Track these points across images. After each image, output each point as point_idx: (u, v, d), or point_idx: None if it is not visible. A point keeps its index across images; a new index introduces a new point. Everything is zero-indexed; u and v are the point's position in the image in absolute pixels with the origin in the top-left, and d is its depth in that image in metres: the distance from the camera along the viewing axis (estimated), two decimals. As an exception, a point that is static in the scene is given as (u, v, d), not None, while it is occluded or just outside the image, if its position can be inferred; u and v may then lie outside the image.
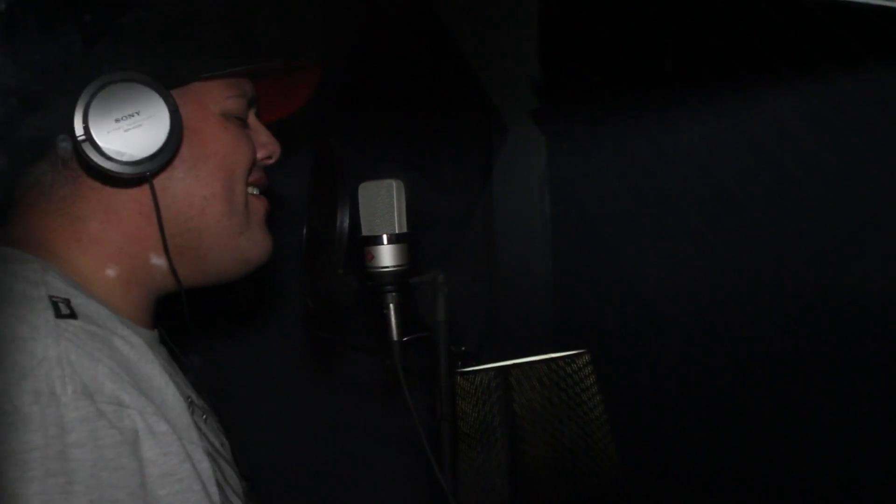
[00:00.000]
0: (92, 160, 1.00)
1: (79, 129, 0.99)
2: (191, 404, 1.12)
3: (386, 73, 2.47)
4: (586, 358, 1.62)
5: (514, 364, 1.62)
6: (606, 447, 1.69)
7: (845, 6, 1.15)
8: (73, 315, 0.97)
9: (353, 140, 1.79)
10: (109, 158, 1.01)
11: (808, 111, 1.89)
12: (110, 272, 1.10)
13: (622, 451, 1.74)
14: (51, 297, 0.98)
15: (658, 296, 2.32)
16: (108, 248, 1.10)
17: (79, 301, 1.00)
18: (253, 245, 1.20)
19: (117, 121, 1.01)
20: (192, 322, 1.14)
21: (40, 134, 1.06)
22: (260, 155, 1.22)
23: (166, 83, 1.06)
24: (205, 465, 1.02)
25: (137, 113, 1.02)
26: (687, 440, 2.24)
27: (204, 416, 1.16)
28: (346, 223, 1.26)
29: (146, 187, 1.07)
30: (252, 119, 1.24)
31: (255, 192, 1.23)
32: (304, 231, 1.38)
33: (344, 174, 1.31)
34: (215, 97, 1.15)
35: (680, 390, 2.25)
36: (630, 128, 2.41)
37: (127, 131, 1.01)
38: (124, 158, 1.01)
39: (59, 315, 0.96)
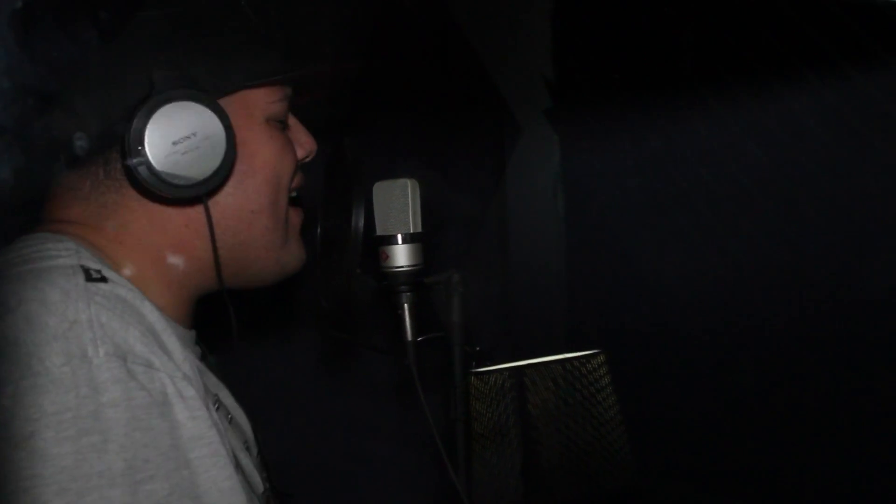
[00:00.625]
0: (147, 183, 0.98)
1: (133, 151, 0.97)
2: (216, 401, 1.14)
3: (400, 72, 2.46)
4: (601, 358, 1.61)
5: (529, 364, 1.61)
6: (622, 449, 1.68)
7: (862, 3, 1.14)
8: (103, 279, 0.97)
9: (367, 139, 1.78)
10: (165, 182, 0.99)
11: (824, 109, 1.88)
12: (149, 272, 1.10)
13: (637, 453, 1.73)
14: (82, 265, 0.98)
15: (673, 295, 2.30)
16: (151, 255, 1.10)
17: (111, 273, 1.00)
18: (290, 258, 1.22)
19: (174, 143, 0.99)
20: (236, 324, 1.16)
21: (86, 142, 1.04)
22: (300, 155, 1.22)
23: (216, 93, 1.05)
24: (226, 439, 1.03)
25: (194, 134, 1.00)
26: (703, 442, 2.22)
27: (229, 417, 1.17)
28: (361, 223, 1.26)
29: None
30: (291, 118, 1.24)
31: (293, 195, 1.23)
32: (318, 231, 1.38)
33: (358, 174, 1.31)
34: (261, 104, 1.14)
35: (696, 391, 2.23)
36: (644, 127, 2.39)
37: (184, 154, 1.00)
38: (179, 182, 1.00)
39: (89, 279, 0.96)
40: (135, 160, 0.97)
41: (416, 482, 2.41)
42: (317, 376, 2.45)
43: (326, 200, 1.37)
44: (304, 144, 1.24)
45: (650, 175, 2.40)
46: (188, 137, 0.99)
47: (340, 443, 2.43)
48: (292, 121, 1.24)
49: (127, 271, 1.08)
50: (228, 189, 1.10)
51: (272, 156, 1.15)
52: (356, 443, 2.45)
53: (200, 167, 1.01)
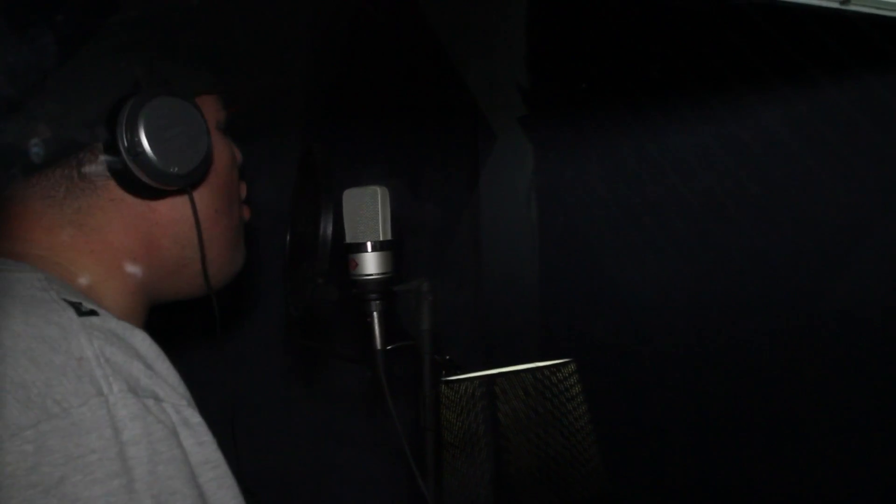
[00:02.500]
0: (139, 172, 1.01)
1: (126, 141, 0.99)
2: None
3: (372, 78, 2.46)
4: (572, 367, 1.61)
5: (499, 373, 1.61)
6: (592, 457, 1.68)
7: (833, 14, 1.15)
8: (93, 313, 0.96)
9: (337, 146, 1.78)
10: (159, 172, 1.02)
11: (796, 120, 1.89)
12: (117, 283, 1.10)
13: (608, 462, 1.73)
14: (63, 299, 0.97)
15: (646, 304, 2.31)
16: (120, 259, 1.10)
17: (89, 306, 0.98)
18: (241, 255, 1.24)
19: (165, 134, 1.02)
20: (220, 327, 1.18)
21: (54, 144, 1.04)
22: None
23: (188, 91, 1.08)
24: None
25: (179, 126, 1.03)
26: (674, 450, 2.23)
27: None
28: (330, 230, 1.25)
29: (166, 200, 1.09)
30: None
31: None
32: (288, 238, 1.37)
33: (328, 180, 1.30)
34: (213, 110, 1.17)
35: (667, 400, 2.24)
36: (618, 136, 2.40)
37: (172, 146, 1.03)
38: (174, 171, 1.03)
39: (80, 313, 0.95)
40: (127, 149, 0.99)
41: (386, 491, 2.40)
42: (286, 385, 2.43)
43: (296, 207, 1.36)
44: (236, 152, 1.27)
45: (623, 184, 2.41)
46: (175, 129, 1.03)
47: (309, 452, 2.41)
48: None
49: (94, 283, 1.07)
50: (202, 188, 1.13)
51: (227, 158, 1.18)
52: (325, 452, 2.43)
53: (188, 159, 1.04)
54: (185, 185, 1.05)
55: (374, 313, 1.25)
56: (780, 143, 1.92)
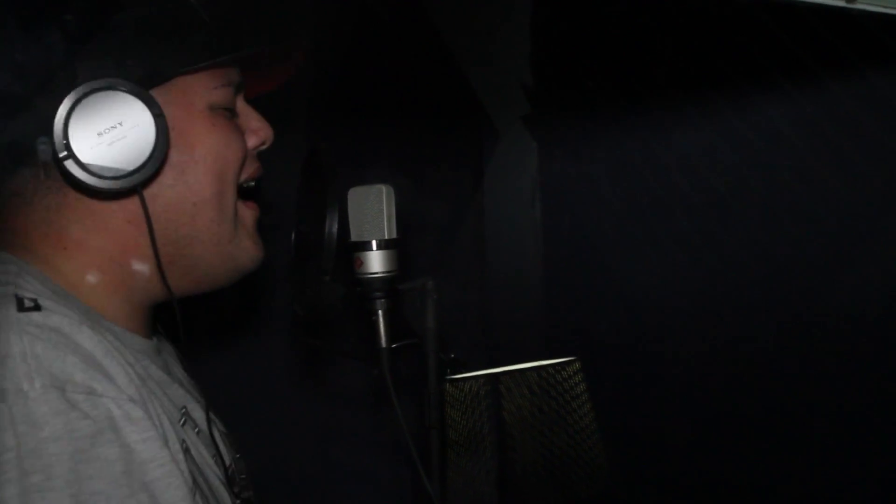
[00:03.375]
0: (75, 177, 0.96)
1: (59, 146, 0.94)
2: (184, 415, 1.10)
3: (378, 77, 2.46)
4: (577, 366, 1.61)
5: (504, 371, 1.61)
6: (596, 456, 1.68)
7: (838, 13, 1.14)
8: (36, 308, 0.95)
9: (343, 145, 1.77)
10: (93, 174, 0.96)
11: (801, 118, 1.89)
12: (96, 279, 1.07)
13: (612, 460, 1.73)
14: (16, 294, 0.96)
15: (650, 303, 2.31)
16: (94, 256, 1.07)
17: (48, 301, 0.97)
18: (243, 252, 1.17)
19: (100, 134, 0.96)
20: (184, 331, 1.11)
21: (19, 142, 1.02)
22: (252, 143, 1.19)
23: (148, 82, 1.02)
24: (180, 457, 1.00)
25: (120, 124, 0.97)
26: (678, 449, 2.22)
27: (196, 429, 1.14)
28: (335, 229, 1.25)
29: (133, 197, 1.04)
30: (241, 104, 1.20)
31: (249, 185, 1.19)
32: (293, 237, 1.37)
33: (333, 179, 1.29)
34: (201, 91, 1.10)
35: (671, 398, 2.24)
36: (622, 134, 2.40)
37: (111, 144, 0.97)
38: (109, 174, 0.97)
39: (20, 309, 0.94)
40: (61, 154, 0.95)
41: (391, 490, 2.40)
42: (291, 384, 2.44)
43: (301, 206, 1.36)
44: (258, 131, 1.20)
45: (628, 182, 2.40)
46: (114, 127, 0.97)
47: (315, 451, 2.42)
48: (244, 108, 1.20)
49: (75, 282, 1.05)
50: (167, 180, 1.07)
51: (215, 145, 1.11)
52: (331, 450, 2.44)
53: (130, 157, 0.98)
54: (130, 184, 0.98)
55: (379, 311, 1.24)
56: (785, 141, 1.92)
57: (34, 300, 0.96)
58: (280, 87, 1.33)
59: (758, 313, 2.03)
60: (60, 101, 0.95)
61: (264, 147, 1.22)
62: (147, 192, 1.04)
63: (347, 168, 1.39)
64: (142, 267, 1.09)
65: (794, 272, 1.95)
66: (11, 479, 0.85)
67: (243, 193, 1.19)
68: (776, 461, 2.00)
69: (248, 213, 1.19)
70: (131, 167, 0.98)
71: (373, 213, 1.24)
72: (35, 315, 0.94)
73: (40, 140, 0.98)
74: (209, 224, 1.11)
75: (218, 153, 1.11)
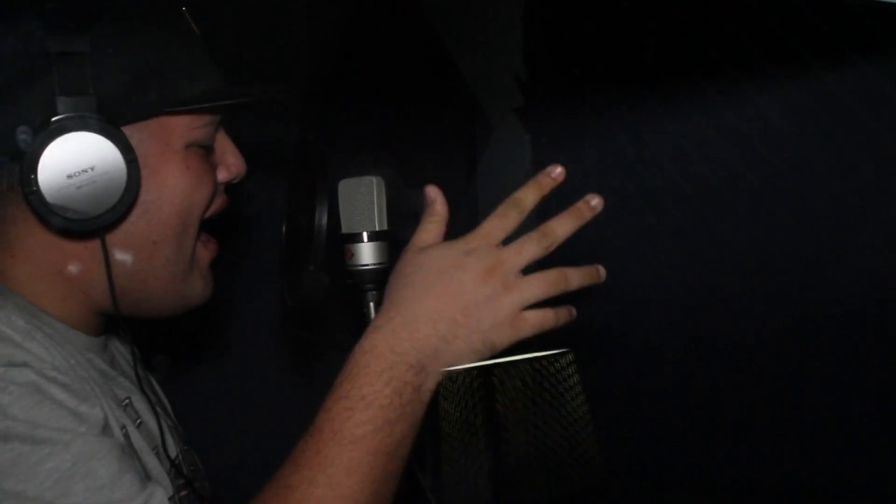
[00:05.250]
0: (38, 214, 0.95)
1: (27, 180, 0.93)
2: (126, 406, 1.11)
3: (370, 69, 2.45)
4: (570, 357, 1.60)
5: (496, 363, 1.60)
6: (590, 448, 1.68)
7: (830, 3, 1.14)
8: None
9: (333, 136, 1.77)
10: (58, 215, 0.95)
11: (793, 109, 1.88)
12: (42, 286, 1.07)
13: (606, 452, 1.72)
14: None
15: (643, 294, 2.31)
16: (44, 269, 1.07)
17: None
18: (192, 290, 1.17)
19: (69, 177, 0.94)
20: (134, 343, 1.13)
21: None
22: (222, 177, 1.18)
23: (130, 117, 1.00)
24: (119, 434, 1.00)
25: (91, 168, 0.95)
26: (672, 441, 2.23)
27: (138, 421, 1.14)
28: (325, 220, 1.24)
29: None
30: (220, 137, 1.19)
31: (216, 218, 1.19)
32: (283, 229, 1.36)
33: (323, 171, 1.29)
34: (180, 129, 1.09)
35: (665, 390, 2.24)
36: (615, 126, 2.39)
37: (79, 188, 0.95)
38: (73, 216, 0.95)
39: None
40: (26, 189, 0.93)
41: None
42: (281, 375, 2.43)
43: (291, 198, 1.35)
44: (231, 167, 1.19)
45: (621, 174, 2.40)
46: (85, 171, 0.95)
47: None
48: (222, 141, 1.19)
49: (20, 285, 1.05)
50: (132, 218, 1.05)
51: (186, 187, 1.09)
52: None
53: (97, 203, 0.96)
54: (91, 228, 0.97)
55: (370, 304, 1.24)
56: (777, 131, 1.91)
57: None
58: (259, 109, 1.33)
59: (751, 305, 2.03)
60: (37, 131, 0.93)
61: (234, 181, 1.21)
62: (110, 228, 1.03)
63: (338, 160, 1.39)
64: (91, 286, 1.09)
65: (787, 264, 1.94)
66: None
67: (204, 225, 1.18)
68: (769, 453, 2.00)
69: (205, 253, 1.19)
70: (97, 212, 0.97)
71: (363, 204, 1.23)
72: None
73: (6, 157, 0.97)
74: (165, 262, 1.11)
75: (186, 194, 1.10)
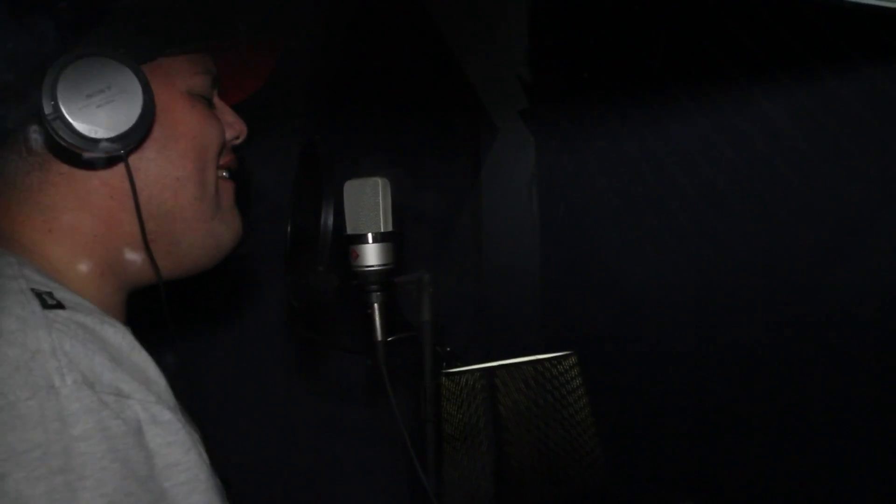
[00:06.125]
0: (63, 139, 0.96)
1: (48, 107, 0.94)
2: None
3: (375, 70, 2.45)
4: (573, 360, 1.61)
5: (500, 365, 1.61)
6: (592, 450, 1.68)
7: (836, 6, 1.14)
8: (60, 305, 0.93)
9: (339, 137, 1.77)
10: (82, 137, 0.96)
11: (798, 112, 1.88)
12: (84, 265, 1.06)
13: (608, 455, 1.73)
14: (33, 289, 0.94)
15: (647, 297, 2.31)
16: (81, 238, 1.07)
17: (62, 294, 0.96)
18: (226, 228, 1.17)
19: (88, 96, 0.96)
20: (170, 316, 1.10)
21: (5, 122, 1.02)
22: (228, 135, 1.19)
23: (133, 59, 1.02)
24: (205, 456, 0.98)
25: (108, 88, 0.98)
26: (674, 443, 2.23)
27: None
28: (331, 221, 1.24)
29: (117, 170, 1.04)
30: (216, 99, 1.22)
31: (225, 174, 1.21)
32: (289, 229, 1.36)
33: (329, 172, 1.29)
34: (181, 74, 1.12)
35: (668, 393, 2.24)
36: (620, 128, 2.40)
37: (99, 107, 0.97)
38: (98, 135, 0.97)
39: (45, 306, 0.92)
40: (48, 115, 0.94)
41: (387, 484, 2.40)
42: (286, 376, 2.43)
43: (297, 199, 1.35)
44: (233, 125, 1.21)
45: (625, 176, 2.40)
46: (102, 91, 0.97)
47: (309, 442, 2.41)
48: (219, 103, 1.22)
49: (63, 269, 1.04)
50: (150, 154, 1.07)
51: (196, 124, 1.12)
52: (327, 444, 2.44)
53: (117, 122, 0.98)
54: (117, 150, 0.98)
55: (375, 305, 1.24)
56: (781, 134, 1.91)
57: (50, 294, 0.95)
58: (254, 93, 1.34)
59: (754, 307, 2.03)
60: (47, 66, 0.95)
61: (238, 142, 1.23)
62: (131, 165, 1.04)
63: (344, 161, 1.39)
64: (126, 245, 1.09)
65: (791, 266, 1.94)
66: (41, 477, 0.83)
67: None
68: (772, 456, 2.00)
69: (228, 188, 1.20)
70: (118, 132, 0.99)
71: (369, 206, 1.23)
72: (62, 312, 0.93)
73: (21, 113, 0.99)
74: (191, 200, 1.12)
75: (198, 132, 1.12)
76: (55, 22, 1.01)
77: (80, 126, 0.96)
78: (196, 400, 1.22)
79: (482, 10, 2.67)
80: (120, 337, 0.95)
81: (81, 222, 1.07)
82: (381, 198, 1.23)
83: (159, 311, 1.11)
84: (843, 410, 1.85)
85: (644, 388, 2.31)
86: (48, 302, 0.93)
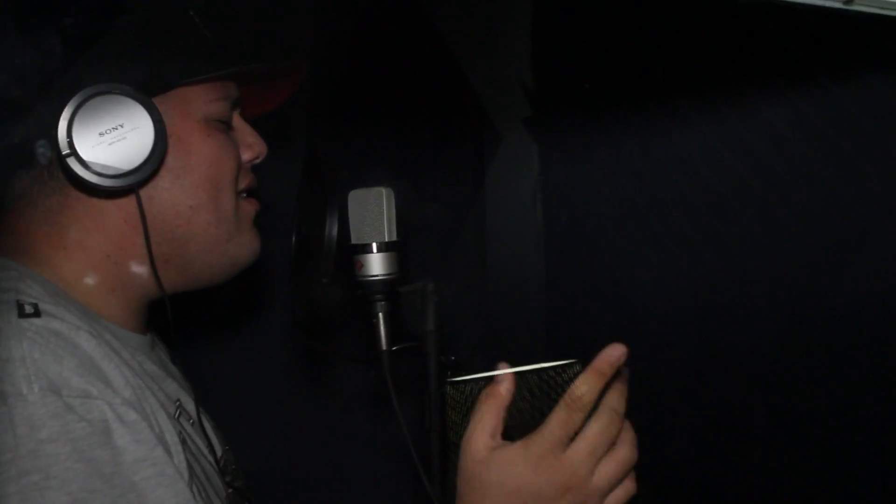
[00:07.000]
0: (77, 174, 1.01)
1: (63, 145, 1.00)
2: (178, 408, 1.15)
3: (379, 79, 2.46)
4: (578, 368, 1.60)
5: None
6: (597, 458, 1.68)
7: (837, 14, 1.14)
8: (36, 314, 0.99)
9: (343, 147, 1.78)
10: (95, 172, 1.02)
11: (801, 120, 1.89)
12: (93, 279, 1.11)
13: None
14: (17, 300, 1.00)
15: (651, 304, 2.31)
16: (92, 256, 1.12)
17: (47, 305, 1.01)
18: (241, 249, 1.22)
19: (101, 134, 1.02)
20: (175, 329, 1.16)
21: (25, 144, 1.07)
22: (246, 157, 1.23)
23: (149, 90, 1.07)
24: (178, 449, 1.04)
25: (121, 125, 1.02)
26: (680, 450, 2.22)
27: (191, 420, 1.18)
28: (335, 231, 1.25)
29: (131, 197, 1.09)
30: (237, 119, 1.25)
31: (245, 195, 1.24)
32: (293, 239, 1.37)
33: (333, 181, 1.30)
34: (198, 102, 1.16)
35: (673, 399, 2.23)
36: (623, 136, 2.40)
37: (111, 145, 1.02)
38: (109, 172, 1.02)
39: (21, 315, 0.98)
40: (64, 152, 1.00)
41: (392, 492, 2.40)
42: (292, 385, 2.44)
43: (301, 208, 1.36)
44: (252, 146, 1.25)
45: (629, 184, 2.40)
46: (114, 129, 1.02)
47: (315, 452, 2.41)
48: (240, 123, 1.25)
49: (73, 282, 1.09)
50: (164, 184, 1.12)
51: (210, 153, 1.16)
52: (331, 453, 2.44)
53: (129, 157, 1.03)
54: (128, 183, 1.04)
55: (380, 314, 1.24)
56: (784, 142, 1.92)
57: (34, 305, 1.00)
58: (279, 107, 1.37)
59: (758, 314, 2.03)
60: (65, 104, 1.00)
61: (257, 161, 1.27)
62: (144, 194, 1.09)
63: (348, 170, 1.40)
64: (137, 265, 1.14)
65: (793, 273, 1.95)
66: (11, 478, 0.89)
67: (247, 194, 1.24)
68: (776, 461, 1.99)
69: (249, 208, 1.24)
70: (130, 167, 1.04)
71: (373, 215, 1.24)
72: (36, 320, 0.98)
73: (42, 143, 1.06)
74: (206, 227, 1.16)
75: (212, 161, 1.16)
76: (70, 40, 1.05)
77: (92, 163, 1.02)
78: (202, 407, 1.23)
79: (485, 19, 2.68)
80: (94, 344, 1.00)
81: (94, 241, 1.12)
82: (385, 207, 1.24)
83: (166, 323, 1.14)
84: (846, 414, 1.85)
85: (650, 395, 2.30)
86: (25, 311, 0.99)
